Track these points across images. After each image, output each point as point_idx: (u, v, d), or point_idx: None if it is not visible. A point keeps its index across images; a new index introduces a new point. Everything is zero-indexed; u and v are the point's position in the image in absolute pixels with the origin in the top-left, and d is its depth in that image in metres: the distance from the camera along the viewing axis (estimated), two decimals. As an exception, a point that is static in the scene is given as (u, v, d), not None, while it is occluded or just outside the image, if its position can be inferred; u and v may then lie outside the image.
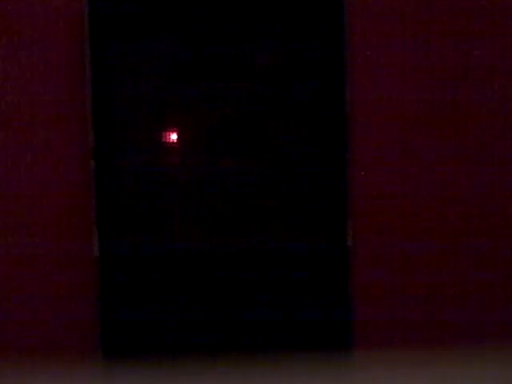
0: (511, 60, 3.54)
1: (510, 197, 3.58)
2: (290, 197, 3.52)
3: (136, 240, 3.50)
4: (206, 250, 3.52)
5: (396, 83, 3.53)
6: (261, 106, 3.50)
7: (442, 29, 3.52)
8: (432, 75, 3.53)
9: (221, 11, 3.46)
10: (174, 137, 3.51)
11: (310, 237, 3.53)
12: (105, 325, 3.49)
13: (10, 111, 3.44)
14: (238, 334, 3.55)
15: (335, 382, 3.50)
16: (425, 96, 3.53)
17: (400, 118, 3.53)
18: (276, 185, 3.52)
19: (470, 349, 3.60)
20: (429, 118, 3.54)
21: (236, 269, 3.53)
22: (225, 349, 3.53)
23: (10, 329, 3.48)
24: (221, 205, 3.52)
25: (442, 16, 3.52)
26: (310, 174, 3.52)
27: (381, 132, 3.53)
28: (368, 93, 3.51)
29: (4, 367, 3.47)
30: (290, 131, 3.51)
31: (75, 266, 3.48)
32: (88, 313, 3.49)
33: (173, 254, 3.51)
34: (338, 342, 3.56)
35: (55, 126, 3.45)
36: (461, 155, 3.56)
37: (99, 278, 3.46)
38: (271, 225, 3.52)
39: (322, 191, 3.53)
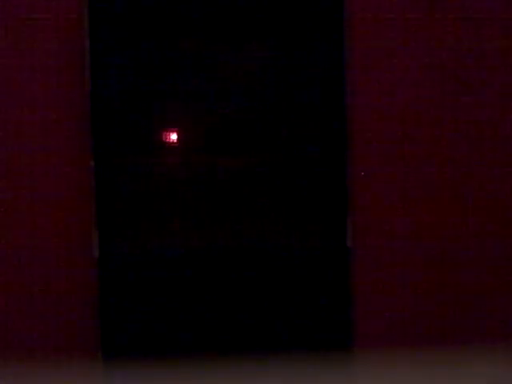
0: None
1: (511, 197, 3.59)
2: (290, 198, 3.53)
3: (136, 241, 3.50)
4: (206, 250, 3.52)
5: (396, 83, 3.53)
6: (261, 106, 3.50)
7: (442, 30, 3.52)
8: (432, 76, 3.53)
9: (222, 13, 3.45)
10: (173, 137, 3.51)
11: (310, 237, 3.53)
12: (105, 325, 3.50)
13: (9, 112, 3.43)
14: (238, 334, 3.55)
15: (335, 382, 3.51)
16: (425, 96, 3.53)
17: (400, 119, 3.53)
18: (276, 186, 3.52)
19: (470, 349, 3.60)
20: (429, 118, 3.54)
21: (236, 269, 3.53)
22: (225, 349, 3.54)
23: (11, 329, 3.49)
24: (221, 205, 3.52)
25: (443, 18, 3.52)
26: (310, 175, 3.52)
27: (381, 133, 3.53)
28: (368, 93, 3.51)
29: (4, 367, 3.47)
30: (290, 133, 3.51)
31: (75, 267, 3.48)
32: (88, 313, 3.49)
33: (173, 255, 3.51)
34: (338, 341, 3.57)
35: (55, 126, 3.44)
36: (461, 156, 3.56)
37: (99, 279, 3.47)
38: (271, 226, 3.52)
39: (322, 192, 3.53)
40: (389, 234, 3.55)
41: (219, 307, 3.54)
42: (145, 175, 3.50)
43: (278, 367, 3.53)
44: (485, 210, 3.58)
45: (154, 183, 3.50)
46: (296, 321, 3.56)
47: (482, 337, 3.61)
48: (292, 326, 3.56)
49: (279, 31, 3.47)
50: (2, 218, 3.45)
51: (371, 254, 3.55)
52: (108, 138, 3.46)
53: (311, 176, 3.53)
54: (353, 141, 3.51)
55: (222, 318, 3.55)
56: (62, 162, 3.46)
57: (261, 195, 3.52)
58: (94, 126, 3.43)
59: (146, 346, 3.53)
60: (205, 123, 3.51)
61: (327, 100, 3.51)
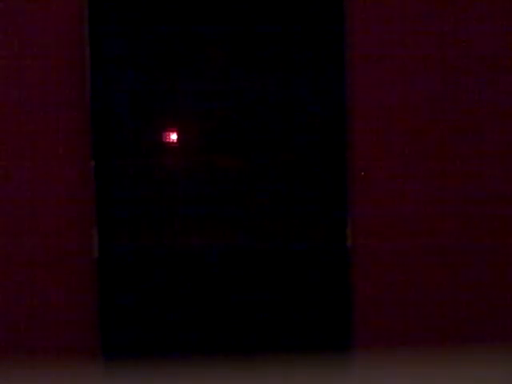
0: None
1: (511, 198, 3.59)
2: (290, 197, 3.52)
3: (136, 241, 3.50)
4: (206, 250, 3.52)
5: (396, 83, 3.52)
6: (261, 106, 3.50)
7: (442, 27, 3.52)
8: (432, 74, 3.52)
9: (222, 11, 3.45)
10: (173, 137, 3.51)
11: (310, 237, 3.53)
12: (105, 325, 3.50)
13: (9, 112, 3.43)
14: (238, 334, 3.55)
15: (335, 383, 3.50)
16: (425, 95, 3.53)
17: (400, 119, 3.53)
18: (276, 185, 3.52)
19: (470, 349, 3.60)
20: (430, 117, 3.54)
21: (236, 269, 3.53)
22: (224, 349, 3.54)
23: (11, 330, 3.49)
24: (220, 205, 3.52)
25: (443, 15, 3.52)
26: (310, 175, 3.52)
27: (381, 133, 3.53)
28: (368, 92, 3.51)
29: (5, 368, 3.47)
30: (290, 132, 3.51)
31: (75, 267, 3.48)
32: (88, 313, 3.49)
33: (172, 255, 3.51)
34: (338, 342, 3.57)
35: (55, 126, 3.45)
36: (462, 155, 3.56)
37: (99, 279, 3.47)
38: (271, 225, 3.52)
39: (322, 192, 3.53)
40: (389, 234, 3.55)
41: (219, 307, 3.54)
42: (145, 175, 3.50)
43: (277, 367, 3.52)
44: (486, 210, 3.58)
45: (154, 183, 3.50)
46: (295, 321, 3.56)
47: (482, 337, 3.61)
48: (291, 326, 3.56)
49: (279, 30, 3.47)
50: (1, 217, 3.45)
51: (371, 254, 3.55)
52: (108, 138, 3.46)
53: (311, 176, 3.52)
54: (353, 141, 3.51)
55: (221, 318, 3.55)
56: (62, 162, 3.46)
57: (260, 195, 3.52)
58: (94, 126, 3.43)
59: (145, 345, 3.53)
60: (205, 124, 3.51)
61: (327, 99, 3.50)
